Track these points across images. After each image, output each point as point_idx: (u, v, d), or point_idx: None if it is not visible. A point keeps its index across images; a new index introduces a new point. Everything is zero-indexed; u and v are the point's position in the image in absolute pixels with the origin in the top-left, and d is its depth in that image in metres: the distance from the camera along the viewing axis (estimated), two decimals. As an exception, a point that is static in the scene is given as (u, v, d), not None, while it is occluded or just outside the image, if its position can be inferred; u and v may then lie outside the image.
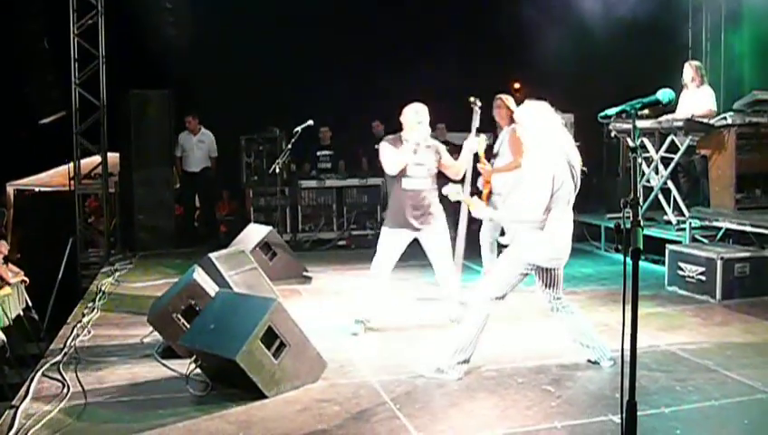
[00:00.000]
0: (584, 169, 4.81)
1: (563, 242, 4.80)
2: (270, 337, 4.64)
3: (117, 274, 8.86)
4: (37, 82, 11.45)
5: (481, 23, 12.93)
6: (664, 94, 3.49)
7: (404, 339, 5.91)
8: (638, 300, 2.91)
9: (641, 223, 2.87)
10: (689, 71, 8.59)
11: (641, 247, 2.82)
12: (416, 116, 5.90)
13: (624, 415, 3.01)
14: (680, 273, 7.36)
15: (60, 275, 11.26)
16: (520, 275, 4.85)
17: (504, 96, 7.24)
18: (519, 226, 4.79)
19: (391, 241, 5.98)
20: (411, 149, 5.87)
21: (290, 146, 9.36)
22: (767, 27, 10.70)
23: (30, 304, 9.16)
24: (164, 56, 11.44)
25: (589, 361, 5.12)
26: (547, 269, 4.88)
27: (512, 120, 6.32)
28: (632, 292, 2.80)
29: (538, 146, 4.68)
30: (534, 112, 4.78)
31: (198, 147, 11.44)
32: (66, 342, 5.85)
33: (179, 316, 5.30)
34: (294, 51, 12.01)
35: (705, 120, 8.12)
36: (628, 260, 2.84)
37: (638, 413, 3.03)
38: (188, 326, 5.10)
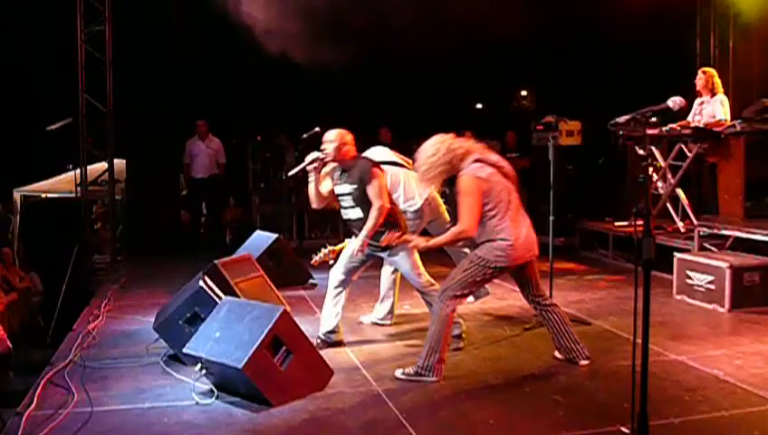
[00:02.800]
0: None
1: (519, 241, 4.92)
2: (276, 345, 4.63)
3: (123, 280, 8.85)
4: (44, 88, 11.49)
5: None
6: (674, 102, 3.47)
7: (413, 346, 5.87)
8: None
9: (653, 233, 2.84)
10: (703, 78, 8.52)
11: (653, 258, 2.80)
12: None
13: (635, 425, 2.97)
14: (688, 282, 7.31)
15: (66, 282, 11.27)
16: (482, 276, 4.95)
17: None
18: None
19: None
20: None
21: (296, 153, 9.34)
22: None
23: (36, 310, 9.17)
24: (173, 62, 11.47)
25: (562, 359, 5.29)
26: (516, 269, 5.06)
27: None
28: (644, 302, 2.77)
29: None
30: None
31: (207, 153, 11.45)
32: (72, 349, 5.84)
33: (185, 324, 5.29)
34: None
35: (715, 130, 8.08)
36: (640, 270, 2.81)
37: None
38: (194, 334, 5.08)
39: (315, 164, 5.66)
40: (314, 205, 5.86)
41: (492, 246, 4.92)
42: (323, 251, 6.04)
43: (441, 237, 5.05)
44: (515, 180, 5.08)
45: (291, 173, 5.79)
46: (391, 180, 6.29)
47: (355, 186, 5.55)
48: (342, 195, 5.66)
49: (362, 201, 5.55)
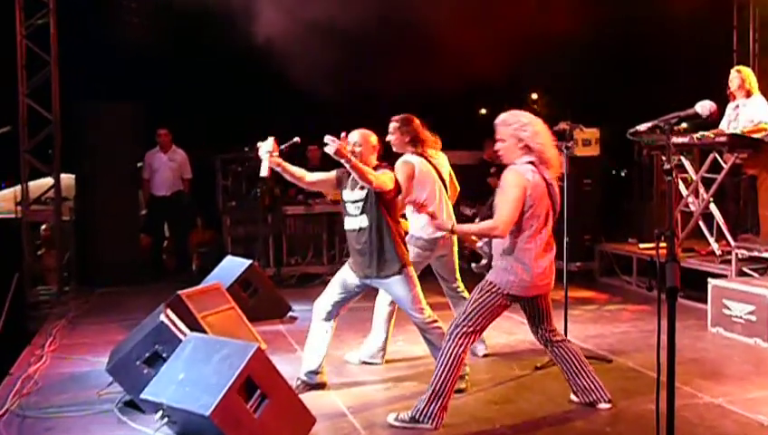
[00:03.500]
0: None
1: (538, 271, 4.95)
2: (249, 389, 4.61)
3: (71, 315, 8.83)
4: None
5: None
6: (703, 107, 3.51)
7: (408, 389, 5.88)
8: (676, 344, 2.91)
9: (678, 257, 2.87)
10: (737, 78, 8.56)
11: (678, 286, 2.83)
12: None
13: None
14: (726, 312, 7.34)
15: (2, 317, 11.20)
16: (493, 305, 4.97)
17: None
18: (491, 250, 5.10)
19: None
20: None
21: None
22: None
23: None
24: (129, 63, 11.48)
25: (579, 402, 5.30)
26: (528, 300, 5.10)
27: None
28: (668, 335, 2.80)
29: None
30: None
31: (169, 166, 11.47)
32: (9, 396, 5.80)
33: (143, 364, 5.28)
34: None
35: (755, 136, 8.12)
36: (664, 299, 2.84)
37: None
38: (154, 376, 5.06)
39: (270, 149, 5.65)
40: (291, 180, 5.87)
41: (505, 269, 4.95)
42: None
43: (471, 225, 5.11)
44: (559, 205, 5.13)
45: (262, 173, 5.76)
46: (428, 193, 6.28)
47: (368, 191, 5.61)
48: (351, 202, 5.69)
49: (373, 206, 5.57)
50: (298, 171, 5.76)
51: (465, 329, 4.99)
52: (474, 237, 5.54)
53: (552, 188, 5.05)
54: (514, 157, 5.00)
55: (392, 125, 6.46)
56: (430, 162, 6.40)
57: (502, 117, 5.07)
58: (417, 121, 6.45)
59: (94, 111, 10.90)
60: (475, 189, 10.44)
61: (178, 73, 11.74)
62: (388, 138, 6.41)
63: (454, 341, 4.99)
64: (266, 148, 5.65)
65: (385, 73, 11.71)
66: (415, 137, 6.37)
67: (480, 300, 4.99)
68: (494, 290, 4.97)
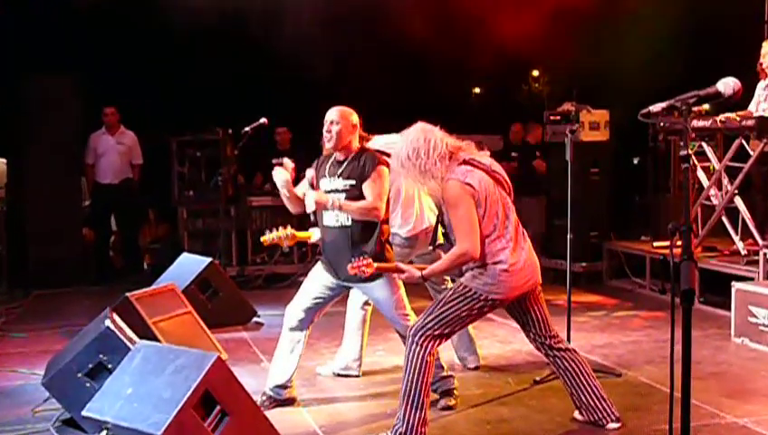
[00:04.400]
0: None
1: (517, 267, 4.98)
2: (207, 404, 4.60)
3: (1, 321, 8.79)
4: None
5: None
6: (726, 85, 3.53)
7: (388, 405, 5.87)
8: (692, 356, 2.92)
9: (695, 255, 2.88)
10: (769, 52, 8.62)
11: (694, 288, 2.84)
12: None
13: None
14: (752, 320, 7.38)
15: None
16: (468, 311, 4.97)
17: None
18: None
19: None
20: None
21: (236, 151, 9.36)
22: None
23: None
24: (70, 32, 11.40)
25: (584, 421, 5.30)
26: (514, 304, 5.12)
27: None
28: (683, 345, 2.81)
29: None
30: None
31: (117, 150, 11.41)
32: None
33: (85, 377, 5.26)
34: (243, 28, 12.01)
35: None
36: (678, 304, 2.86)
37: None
38: (98, 391, 5.05)
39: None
40: (293, 211, 5.87)
41: (481, 273, 4.96)
42: (282, 231, 5.92)
43: (438, 264, 5.07)
44: (511, 191, 5.16)
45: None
46: (393, 190, 6.18)
47: (352, 182, 5.58)
48: (331, 192, 5.67)
49: (358, 198, 5.55)
50: (299, 192, 5.80)
51: (429, 332, 4.98)
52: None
53: (497, 175, 5.08)
54: (444, 172, 4.98)
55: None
56: None
57: (395, 166, 5.11)
58: None
59: (30, 86, 10.81)
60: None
61: (127, 43, 11.64)
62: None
63: (418, 344, 4.99)
64: (283, 177, 5.60)
65: (364, 45, 11.70)
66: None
67: (452, 304, 4.99)
68: (468, 295, 4.97)
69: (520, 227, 5.12)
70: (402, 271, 5.18)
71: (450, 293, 5.04)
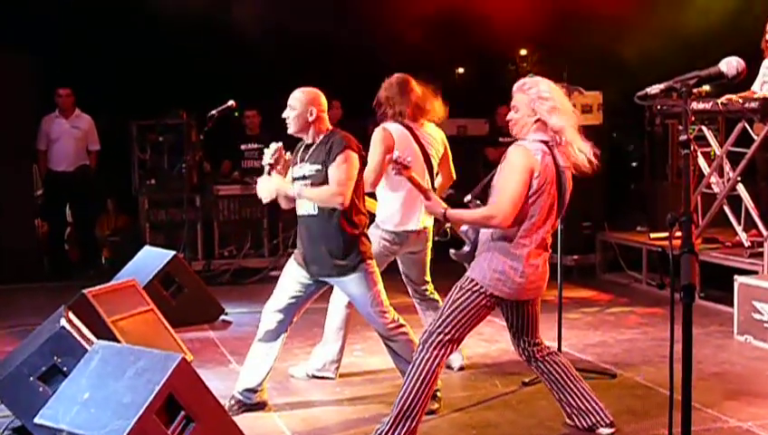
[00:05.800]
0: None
1: (532, 274, 4.96)
2: (171, 409, 4.60)
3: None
4: None
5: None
6: (729, 64, 3.53)
7: (366, 410, 5.90)
8: (695, 355, 2.92)
9: (696, 247, 2.89)
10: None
11: (695, 283, 2.84)
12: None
13: None
14: (756, 317, 7.41)
15: None
16: (476, 307, 4.96)
17: None
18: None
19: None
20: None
21: (202, 136, 9.33)
22: None
23: None
24: (23, 8, 11.35)
25: (577, 426, 5.30)
26: (513, 305, 5.11)
27: None
28: (683, 344, 2.82)
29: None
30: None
31: (72, 135, 11.35)
32: None
33: (38, 381, 5.23)
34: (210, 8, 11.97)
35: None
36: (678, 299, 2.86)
37: None
38: (52, 395, 5.03)
39: (275, 156, 5.67)
40: (284, 205, 5.91)
41: (491, 266, 4.94)
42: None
43: (467, 212, 5.05)
44: (567, 198, 5.11)
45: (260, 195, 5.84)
46: (395, 179, 6.04)
47: (318, 167, 5.57)
48: (299, 179, 5.66)
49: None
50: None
51: (441, 337, 4.96)
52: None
53: (564, 177, 5.03)
54: (525, 131, 5.00)
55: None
56: (414, 133, 6.35)
57: (520, 81, 5.10)
58: (409, 84, 6.43)
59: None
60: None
61: (83, 21, 11.59)
62: None
63: (428, 351, 4.97)
64: (274, 148, 5.66)
65: (336, 24, 11.66)
66: (395, 101, 6.34)
67: (460, 301, 4.97)
68: (476, 289, 4.96)
69: (549, 236, 5.09)
70: (430, 198, 5.16)
71: (456, 290, 5.02)
